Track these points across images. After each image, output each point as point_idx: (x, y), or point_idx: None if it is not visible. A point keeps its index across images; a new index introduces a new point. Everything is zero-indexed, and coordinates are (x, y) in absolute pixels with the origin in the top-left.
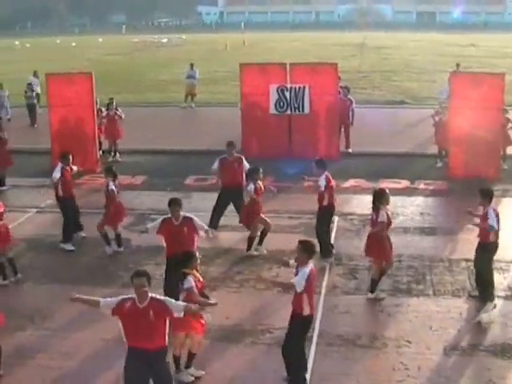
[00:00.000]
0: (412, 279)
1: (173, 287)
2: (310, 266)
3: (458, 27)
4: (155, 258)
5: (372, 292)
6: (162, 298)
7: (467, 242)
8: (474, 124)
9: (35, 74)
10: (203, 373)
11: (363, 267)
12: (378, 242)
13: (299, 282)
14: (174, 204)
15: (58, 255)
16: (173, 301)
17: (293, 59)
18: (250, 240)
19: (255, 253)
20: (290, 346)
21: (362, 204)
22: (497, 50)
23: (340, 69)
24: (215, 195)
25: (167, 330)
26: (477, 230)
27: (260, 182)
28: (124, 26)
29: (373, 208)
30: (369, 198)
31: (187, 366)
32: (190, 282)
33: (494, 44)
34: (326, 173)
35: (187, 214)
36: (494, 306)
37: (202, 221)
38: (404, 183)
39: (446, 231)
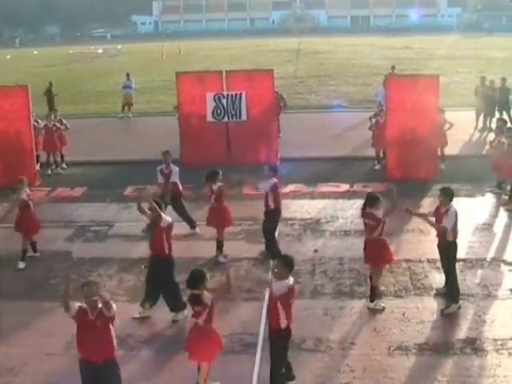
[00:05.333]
0: (354, 282)
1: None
2: (291, 280)
3: (392, 30)
4: (97, 269)
5: (372, 301)
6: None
7: (407, 243)
8: (411, 126)
9: None
10: None
11: (305, 271)
12: (377, 247)
13: None
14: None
15: None
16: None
17: (229, 67)
18: (218, 243)
19: (222, 260)
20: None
21: (302, 209)
22: (430, 52)
23: (276, 75)
24: None
25: (115, 340)
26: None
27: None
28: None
29: (362, 214)
30: (308, 203)
31: None
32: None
33: (428, 46)
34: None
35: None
36: (459, 308)
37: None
38: (343, 187)
39: (386, 233)
